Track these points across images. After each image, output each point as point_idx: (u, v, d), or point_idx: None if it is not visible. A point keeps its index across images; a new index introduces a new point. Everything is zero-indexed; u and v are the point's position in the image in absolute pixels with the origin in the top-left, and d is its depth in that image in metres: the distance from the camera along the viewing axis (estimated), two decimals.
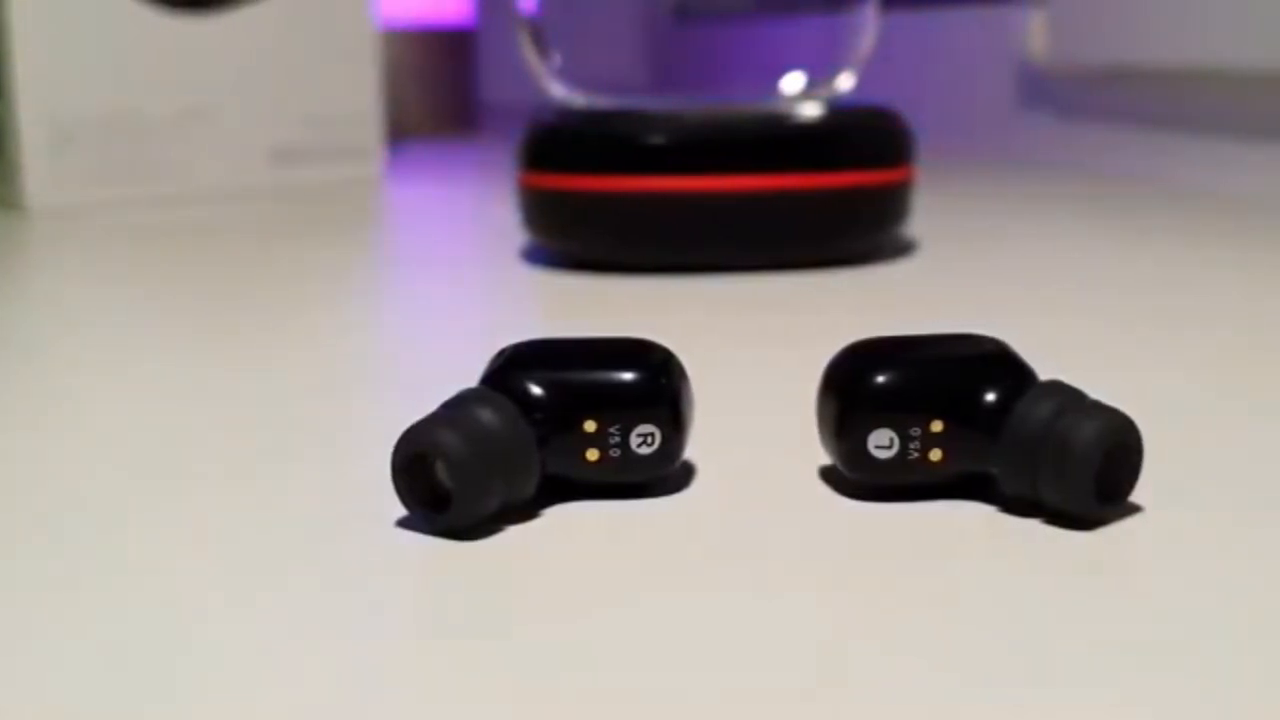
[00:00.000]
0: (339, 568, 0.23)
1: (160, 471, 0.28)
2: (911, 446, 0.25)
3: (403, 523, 0.25)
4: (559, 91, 0.56)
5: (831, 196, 0.50)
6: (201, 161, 0.76)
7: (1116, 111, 0.92)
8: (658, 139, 0.49)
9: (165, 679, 0.19)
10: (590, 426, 0.25)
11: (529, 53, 0.57)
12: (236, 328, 0.42)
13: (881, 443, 0.25)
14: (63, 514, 0.25)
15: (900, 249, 0.55)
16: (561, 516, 0.25)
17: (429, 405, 0.33)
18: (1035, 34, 0.98)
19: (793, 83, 0.55)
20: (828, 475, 0.27)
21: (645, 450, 0.25)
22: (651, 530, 0.24)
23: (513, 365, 0.26)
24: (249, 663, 0.19)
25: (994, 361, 0.25)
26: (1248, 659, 0.19)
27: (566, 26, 0.57)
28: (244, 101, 0.78)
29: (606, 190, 0.49)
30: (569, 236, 0.51)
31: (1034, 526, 0.24)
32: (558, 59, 0.56)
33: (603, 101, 0.55)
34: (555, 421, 0.25)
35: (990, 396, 0.25)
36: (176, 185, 0.75)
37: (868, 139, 0.51)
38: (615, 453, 0.25)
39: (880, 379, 0.25)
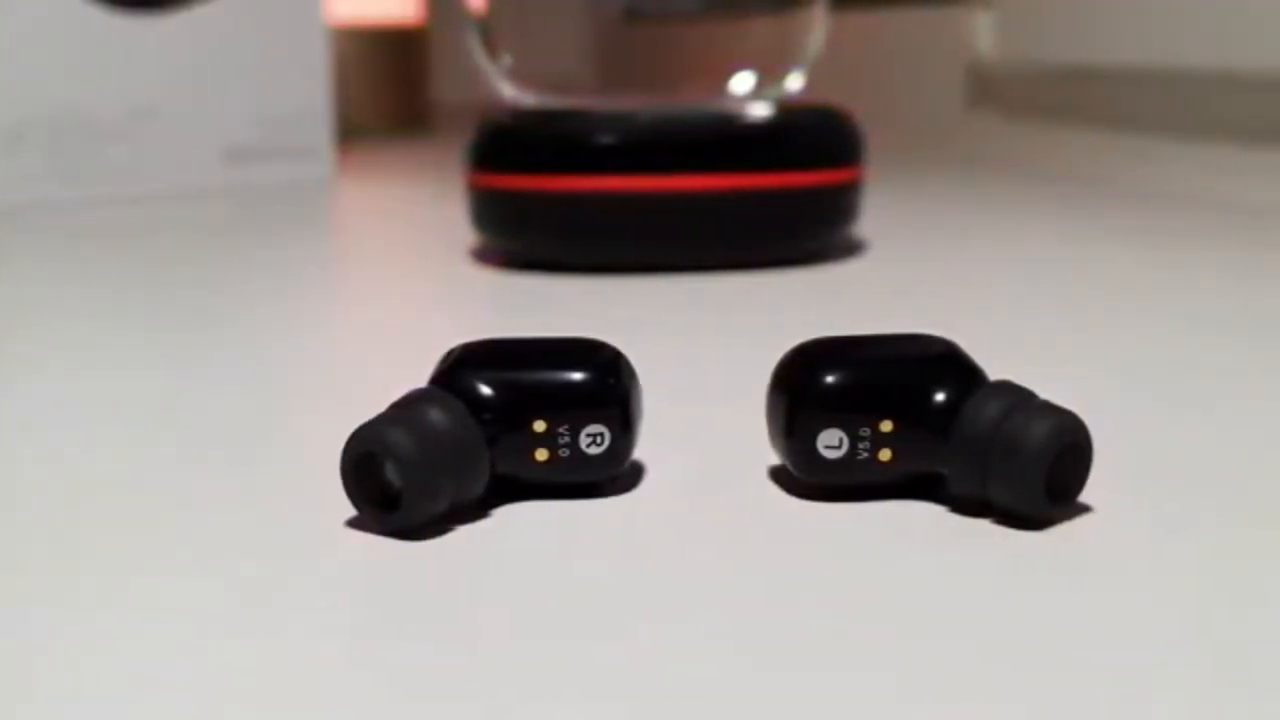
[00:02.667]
0: (287, 567, 0.23)
1: (106, 473, 0.28)
2: (861, 446, 0.25)
3: (352, 522, 0.25)
4: (509, 91, 0.56)
5: (781, 196, 0.50)
6: (152, 161, 0.76)
7: (1065, 112, 0.92)
8: (607, 139, 0.49)
9: (114, 679, 0.19)
10: (539, 426, 0.25)
11: (479, 52, 0.56)
12: (184, 327, 0.41)
13: (831, 443, 0.25)
14: (2, 514, 0.25)
15: (850, 249, 0.55)
16: (511, 516, 0.25)
17: (378, 405, 0.33)
18: (984, 34, 0.99)
19: (742, 83, 0.55)
20: (777, 475, 0.27)
21: (594, 450, 0.25)
22: (600, 530, 0.24)
23: (462, 365, 0.26)
24: (195, 663, 0.19)
25: (943, 361, 0.26)
26: (1196, 657, 0.19)
27: (516, 26, 0.57)
28: (194, 101, 0.77)
29: (556, 190, 0.49)
30: (518, 236, 0.51)
31: (984, 526, 0.24)
32: (507, 59, 0.56)
33: (552, 101, 0.55)
34: (504, 421, 0.25)
35: (940, 396, 0.25)
36: (127, 185, 0.75)
37: (817, 139, 0.51)
38: (564, 453, 0.25)
39: (829, 379, 0.25)
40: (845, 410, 0.25)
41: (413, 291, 0.47)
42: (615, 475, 0.26)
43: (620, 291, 0.46)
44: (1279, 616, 0.20)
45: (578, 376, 0.25)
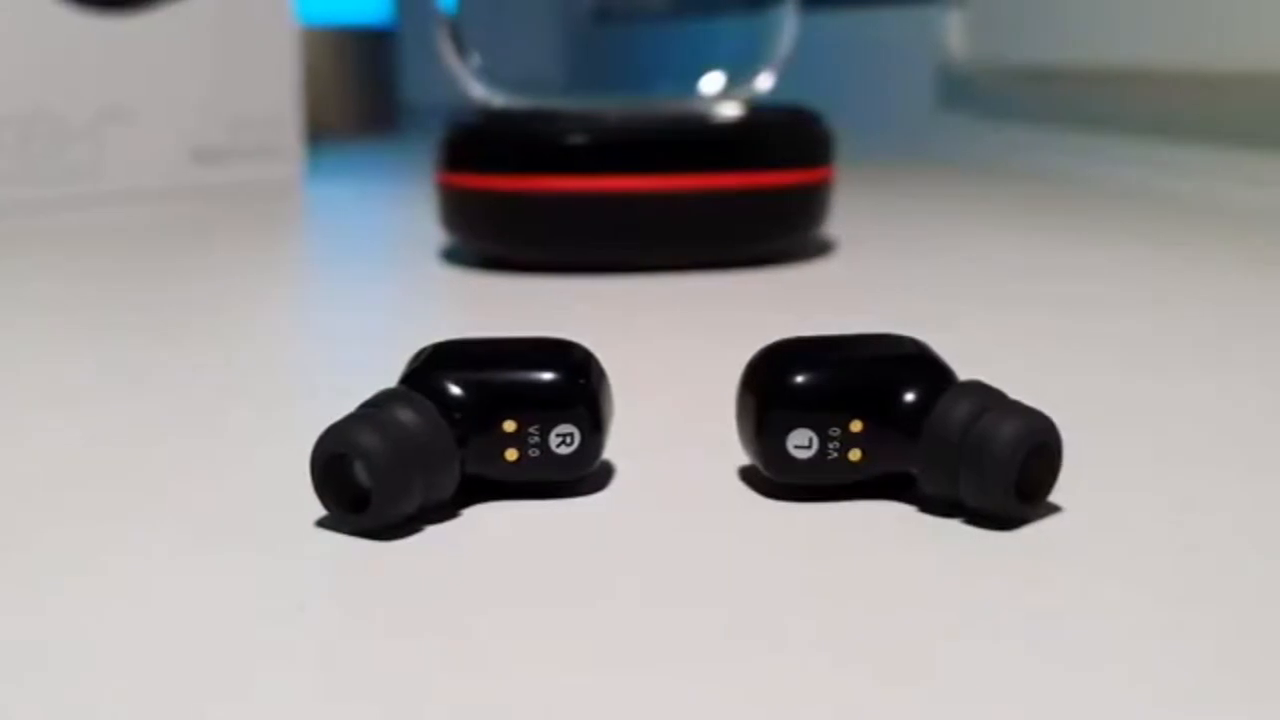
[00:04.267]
0: (256, 567, 0.22)
1: (73, 473, 0.28)
2: (831, 446, 0.25)
3: (321, 523, 0.25)
4: (478, 91, 0.56)
5: (751, 197, 0.50)
6: (120, 162, 0.76)
7: (1036, 112, 0.93)
8: (577, 139, 0.49)
9: (76, 680, 0.18)
10: (510, 426, 0.25)
11: (448, 53, 0.56)
12: (153, 328, 0.41)
13: (801, 442, 0.25)
14: None
15: (819, 249, 0.55)
16: (481, 516, 0.25)
17: (348, 405, 0.32)
18: (955, 34, 0.99)
19: (712, 83, 0.55)
20: (747, 475, 0.27)
21: (564, 450, 0.25)
22: (570, 530, 0.24)
23: (432, 365, 0.26)
24: (164, 664, 0.19)
25: (914, 361, 0.26)
26: (1165, 658, 0.19)
27: (486, 26, 0.57)
28: (163, 102, 0.77)
29: (525, 190, 0.49)
30: (487, 236, 0.51)
31: (954, 526, 0.24)
32: (477, 59, 0.56)
33: (522, 101, 0.55)
34: (475, 421, 0.25)
35: (910, 396, 0.25)
36: (95, 186, 0.75)
37: (787, 139, 0.51)
38: (535, 452, 0.25)
39: (799, 379, 0.25)
40: (815, 410, 0.25)
41: (382, 291, 0.47)
42: (585, 475, 0.26)
43: (590, 291, 0.46)
44: (1248, 616, 0.20)
45: (548, 376, 0.25)
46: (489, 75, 0.55)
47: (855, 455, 0.25)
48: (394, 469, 0.23)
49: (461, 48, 0.56)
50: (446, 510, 0.25)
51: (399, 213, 0.68)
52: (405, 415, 0.24)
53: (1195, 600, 0.21)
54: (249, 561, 0.23)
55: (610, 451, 0.29)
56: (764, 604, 0.21)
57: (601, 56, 0.60)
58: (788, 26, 0.56)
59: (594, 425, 0.25)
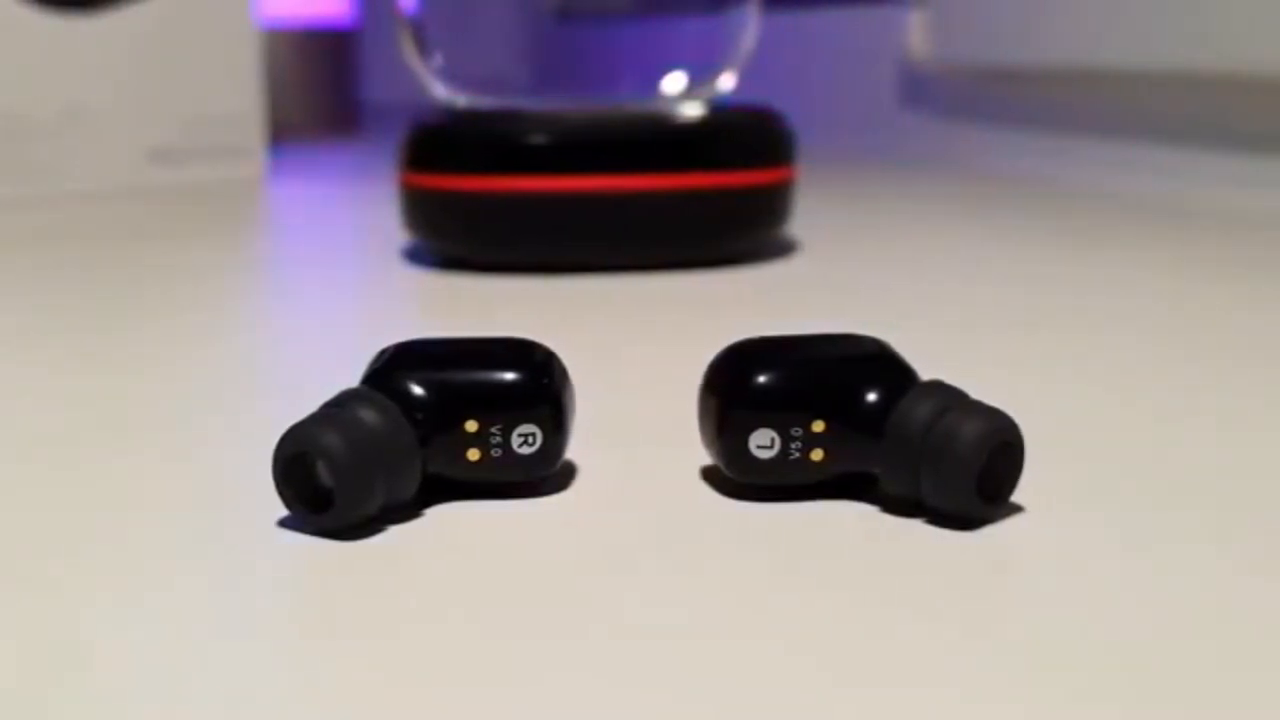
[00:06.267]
0: (219, 567, 0.22)
1: (33, 473, 0.28)
2: (793, 446, 0.25)
3: (284, 523, 0.24)
4: (441, 91, 0.56)
5: (713, 196, 0.50)
6: (80, 162, 0.75)
7: (998, 112, 0.93)
8: (539, 139, 0.49)
9: (38, 681, 0.18)
10: (472, 426, 0.25)
11: (410, 52, 0.56)
12: (113, 329, 0.41)
13: (763, 443, 0.25)
14: None
15: (782, 249, 0.55)
16: (443, 516, 0.25)
17: (310, 405, 0.32)
18: (917, 34, 0.99)
19: (674, 83, 0.55)
20: (709, 475, 0.27)
21: (527, 450, 0.25)
22: (532, 530, 0.24)
23: (394, 365, 0.25)
24: (125, 664, 0.19)
25: (875, 361, 0.26)
26: (1123, 660, 0.19)
27: (448, 26, 0.57)
28: (123, 102, 0.77)
29: (487, 190, 0.49)
30: (450, 236, 0.51)
31: (916, 526, 0.24)
32: (439, 59, 0.55)
33: (484, 101, 0.55)
34: (437, 421, 0.25)
35: (872, 396, 0.25)
36: (55, 186, 0.74)
37: (749, 139, 0.51)
38: (497, 452, 0.25)
39: (761, 379, 0.25)
40: (777, 410, 0.25)
41: (344, 292, 0.47)
42: (547, 475, 0.26)
43: (552, 291, 0.46)
44: (1209, 615, 0.20)
45: (510, 376, 0.25)
46: (451, 75, 0.55)
47: (817, 455, 0.25)
48: (356, 469, 0.23)
49: (424, 48, 0.56)
50: (409, 510, 0.25)
51: (362, 213, 0.68)
52: (367, 415, 0.24)
53: (1157, 601, 0.21)
54: (211, 561, 0.23)
55: (572, 451, 0.29)
56: (725, 604, 0.21)
57: (564, 56, 0.60)
58: (750, 26, 0.56)
59: (556, 425, 0.25)
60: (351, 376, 0.35)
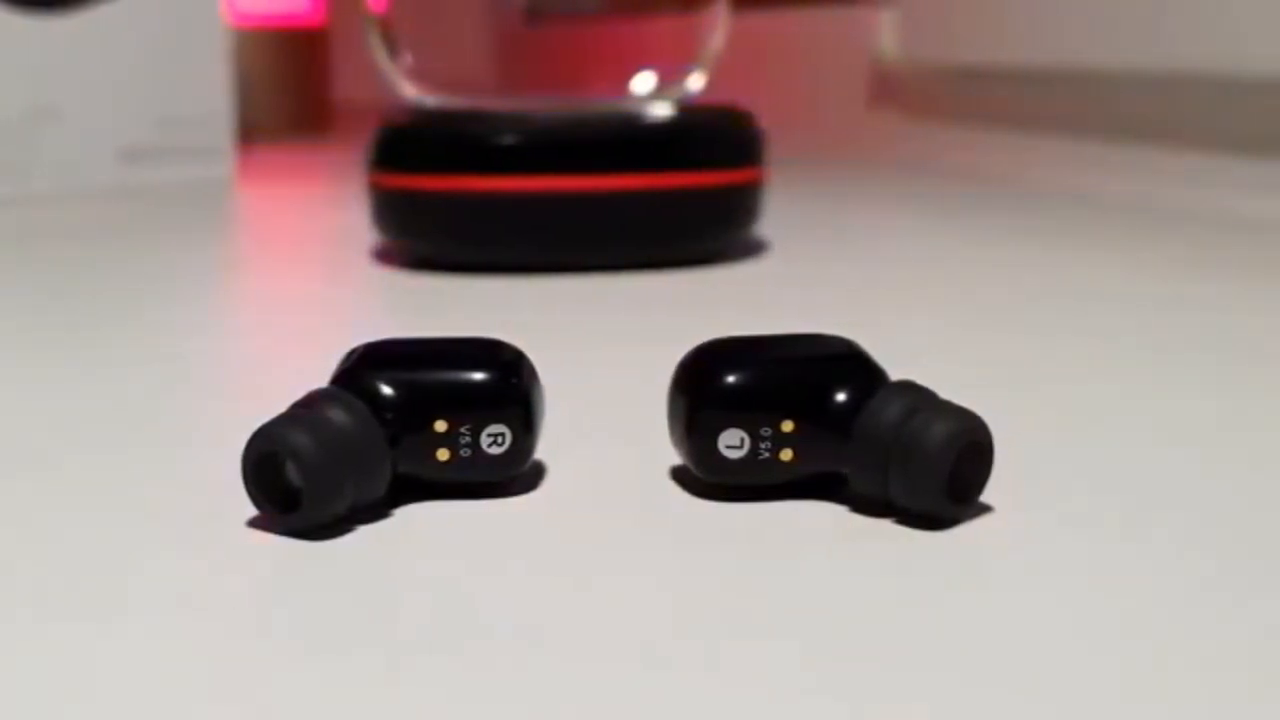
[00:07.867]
0: (188, 567, 0.22)
1: None
2: (762, 446, 0.25)
3: (253, 523, 0.24)
4: (410, 91, 0.56)
5: (682, 196, 0.50)
6: (49, 162, 0.75)
7: (968, 111, 0.93)
8: (508, 139, 0.49)
9: (10, 681, 0.18)
10: (441, 426, 0.25)
11: (379, 53, 0.56)
12: (81, 328, 0.41)
13: (732, 442, 0.25)
14: None
15: (751, 249, 0.55)
16: (412, 516, 0.25)
17: (279, 405, 0.32)
18: (887, 34, 1.00)
19: (644, 83, 0.55)
20: (678, 475, 0.27)
21: (496, 450, 0.25)
22: (501, 530, 0.24)
23: (363, 365, 0.25)
24: (91, 666, 0.19)
25: (845, 361, 0.26)
26: (1094, 657, 0.19)
27: (417, 26, 0.57)
28: (93, 102, 0.76)
29: (456, 190, 0.49)
30: (419, 237, 0.51)
31: (885, 526, 0.24)
32: (408, 59, 0.55)
33: (454, 101, 0.55)
34: (406, 421, 0.25)
35: (841, 396, 0.25)
36: (24, 186, 0.74)
37: (719, 139, 0.51)
38: (466, 452, 0.25)
39: (730, 379, 0.25)
40: (746, 410, 0.25)
41: (314, 292, 0.47)
42: (516, 475, 0.26)
43: (521, 292, 0.46)
44: (1177, 616, 0.20)
45: (479, 376, 0.25)
46: (420, 75, 0.55)
47: (787, 455, 0.25)
48: (325, 468, 0.23)
49: (393, 48, 0.56)
50: (378, 510, 0.25)
51: (331, 213, 0.68)
52: (336, 415, 0.24)
53: (1127, 602, 0.21)
54: (179, 561, 0.23)
55: (542, 452, 0.29)
56: (695, 604, 0.21)
57: (533, 56, 0.59)
58: (719, 26, 0.56)
59: (525, 425, 0.25)
60: (321, 376, 0.35)
